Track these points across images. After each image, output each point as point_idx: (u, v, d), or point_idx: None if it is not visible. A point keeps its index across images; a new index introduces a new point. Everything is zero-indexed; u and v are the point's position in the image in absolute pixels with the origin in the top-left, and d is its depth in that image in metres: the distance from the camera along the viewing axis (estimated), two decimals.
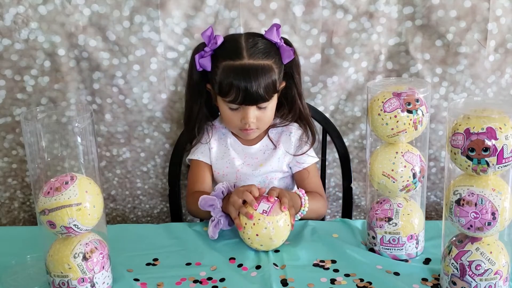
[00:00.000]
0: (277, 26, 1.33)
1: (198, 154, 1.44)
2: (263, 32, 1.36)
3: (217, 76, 1.30)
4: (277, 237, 1.15)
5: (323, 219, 1.64)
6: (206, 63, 1.32)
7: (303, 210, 1.27)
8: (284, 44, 1.34)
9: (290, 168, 1.45)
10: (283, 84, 1.38)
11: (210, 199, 1.24)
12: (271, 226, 1.14)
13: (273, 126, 1.44)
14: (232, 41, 1.33)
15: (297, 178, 1.45)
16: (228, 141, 1.45)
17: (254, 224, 1.14)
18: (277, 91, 1.33)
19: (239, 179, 1.43)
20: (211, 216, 1.24)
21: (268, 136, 1.44)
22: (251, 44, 1.30)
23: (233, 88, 1.27)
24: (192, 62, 1.37)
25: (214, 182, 1.49)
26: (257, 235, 1.14)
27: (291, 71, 1.38)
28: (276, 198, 1.18)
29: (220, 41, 1.31)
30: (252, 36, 1.34)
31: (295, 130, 1.44)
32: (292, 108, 1.43)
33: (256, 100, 1.29)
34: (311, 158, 1.44)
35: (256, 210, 1.15)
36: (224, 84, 1.28)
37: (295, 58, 1.37)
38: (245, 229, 1.16)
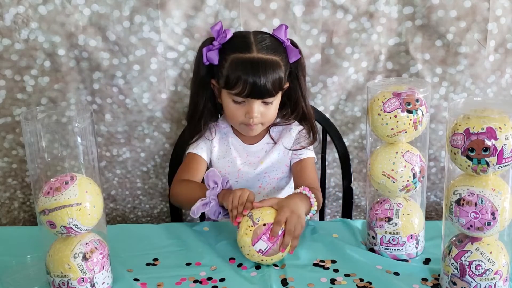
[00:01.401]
0: (286, 27, 1.34)
1: (198, 149, 1.44)
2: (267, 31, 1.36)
3: (224, 68, 1.30)
4: (273, 262, 1.14)
5: (323, 219, 1.64)
6: (213, 56, 1.32)
7: (313, 210, 1.25)
8: (290, 44, 1.35)
9: (290, 162, 1.45)
10: (287, 84, 1.38)
11: (218, 176, 1.23)
12: (264, 262, 1.13)
13: (274, 124, 1.44)
14: (240, 36, 1.34)
15: (294, 170, 1.44)
16: (230, 140, 1.45)
17: (247, 254, 1.13)
18: (282, 88, 1.34)
19: (240, 178, 1.43)
20: (191, 207, 1.23)
21: (270, 134, 1.44)
22: (259, 39, 1.31)
23: (241, 81, 1.27)
24: (199, 56, 1.37)
25: None
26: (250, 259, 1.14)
27: (296, 72, 1.38)
28: (279, 233, 1.11)
29: (229, 35, 1.31)
30: (260, 33, 1.35)
31: (295, 126, 1.45)
32: (295, 109, 1.43)
33: (263, 94, 1.29)
34: (309, 151, 1.44)
35: (253, 245, 1.11)
36: (231, 76, 1.28)
37: (301, 59, 1.37)
38: (242, 250, 1.14)
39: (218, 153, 1.44)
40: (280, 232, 1.11)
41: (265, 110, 1.34)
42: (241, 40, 1.32)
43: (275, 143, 1.44)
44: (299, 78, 1.39)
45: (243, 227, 1.13)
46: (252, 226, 1.12)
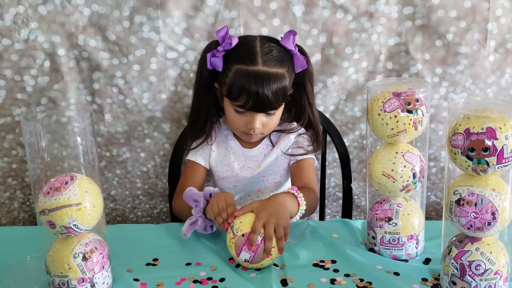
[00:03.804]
0: (294, 33, 1.30)
1: (197, 156, 1.43)
2: (265, 34, 1.34)
3: (227, 78, 1.27)
4: (264, 266, 1.13)
5: (323, 219, 1.64)
6: (217, 62, 1.28)
7: (302, 210, 1.21)
8: (298, 53, 1.31)
9: (288, 164, 1.44)
10: (291, 91, 1.34)
11: (197, 195, 1.21)
12: (257, 267, 1.12)
13: (279, 130, 1.42)
14: (246, 44, 1.29)
15: (291, 171, 1.43)
16: (229, 144, 1.44)
17: (239, 263, 1.13)
18: (286, 99, 1.31)
19: (238, 182, 1.43)
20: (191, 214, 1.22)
21: (269, 137, 1.43)
22: (266, 50, 1.27)
23: (244, 93, 1.25)
24: (202, 60, 1.34)
25: (212, 186, 1.48)
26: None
27: (303, 80, 1.34)
28: (258, 242, 1.09)
29: (235, 42, 1.27)
30: (268, 41, 1.30)
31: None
32: (301, 116, 1.40)
33: (266, 107, 1.28)
34: (308, 154, 1.42)
35: (238, 257, 1.11)
36: (234, 88, 1.26)
37: (308, 68, 1.33)
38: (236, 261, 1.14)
39: (217, 157, 1.44)
40: (260, 239, 1.10)
41: (267, 121, 1.32)
42: (246, 49, 1.27)
43: (273, 146, 1.43)
44: (305, 86, 1.35)
45: (227, 239, 1.13)
46: (233, 238, 1.12)
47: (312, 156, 1.43)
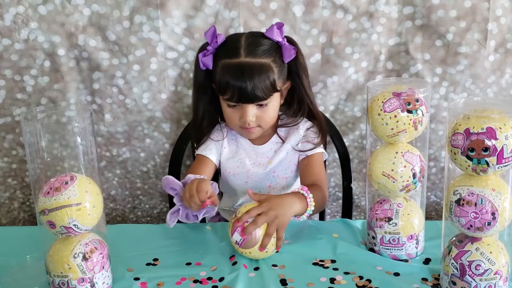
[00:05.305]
0: (279, 25, 1.32)
1: (206, 150, 1.43)
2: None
3: (216, 74, 1.30)
4: (254, 257, 1.15)
5: (323, 219, 1.64)
6: (208, 61, 1.32)
7: (309, 210, 1.21)
8: (286, 43, 1.33)
9: (298, 159, 1.44)
10: (287, 84, 1.36)
11: (174, 183, 1.21)
12: (246, 255, 1.14)
13: (283, 125, 1.43)
14: (232, 40, 1.32)
15: (301, 166, 1.42)
16: (239, 141, 1.44)
17: (232, 244, 1.15)
18: (277, 90, 1.32)
19: (250, 178, 1.43)
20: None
21: (277, 133, 1.43)
22: (250, 43, 1.29)
23: (229, 87, 1.27)
24: (196, 62, 1.36)
25: (224, 181, 1.48)
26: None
27: (296, 70, 1.36)
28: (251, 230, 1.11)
29: (221, 40, 1.30)
30: (253, 36, 1.33)
31: (302, 123, 1.43)
32: (301, 108, 1.41)
33: (252, 98, 1.28)
34: (317, 148, 1.41)
35: (231, 237, 1.13)
36: (222, 82, 1.28)
37: (299, 58, 1.35)
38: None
39: (228, 154, 1.44)
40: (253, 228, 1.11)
41: (260, 113, 1.33)
42: (231, 45, 1.31)
43: (283, 142, 1.43)
44: (300, 76, 1.37)
45: (230, 219, 1.17)
46: (233, 218, 1.15)
47: (321, 150, 1.43)
